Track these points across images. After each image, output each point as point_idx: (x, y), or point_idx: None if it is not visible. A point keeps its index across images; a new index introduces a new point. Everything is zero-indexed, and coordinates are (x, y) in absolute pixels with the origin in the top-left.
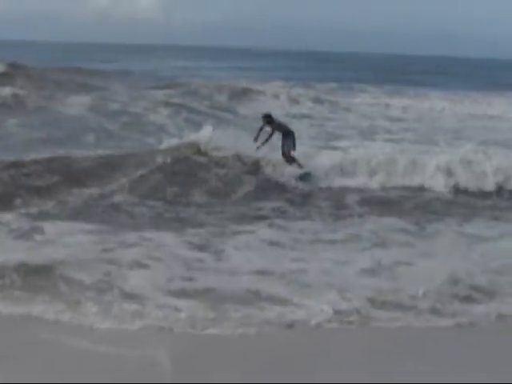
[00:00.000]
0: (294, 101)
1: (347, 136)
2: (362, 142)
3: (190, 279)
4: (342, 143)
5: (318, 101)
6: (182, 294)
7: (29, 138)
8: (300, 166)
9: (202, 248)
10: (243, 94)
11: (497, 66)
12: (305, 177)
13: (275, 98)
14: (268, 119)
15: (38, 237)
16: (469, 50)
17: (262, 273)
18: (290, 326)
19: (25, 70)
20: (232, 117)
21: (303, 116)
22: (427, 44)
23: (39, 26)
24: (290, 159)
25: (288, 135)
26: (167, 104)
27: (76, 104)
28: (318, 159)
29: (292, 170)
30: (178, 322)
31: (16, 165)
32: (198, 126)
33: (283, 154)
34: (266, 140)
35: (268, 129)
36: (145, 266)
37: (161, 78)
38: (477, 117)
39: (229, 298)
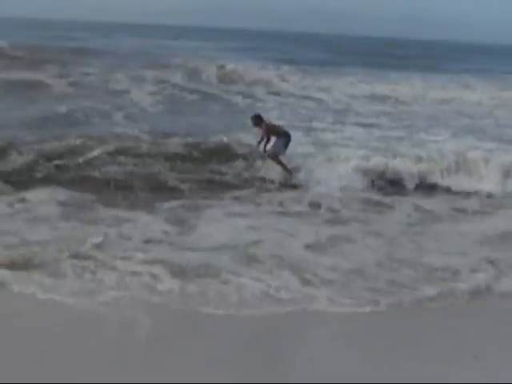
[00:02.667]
0: (274, 80)
1: (320, 117)
2: (334, 125)
3: (156, 251)
4: (315, 124)
5: (298, 81)
6: (149, 265)
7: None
8: (288, 172)
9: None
10: (227, 72)
11: (484, 50)
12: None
13: (258, 77)
14: (257, 120)
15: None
16: (456, 33)
17: (224, 247)
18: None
19: (7, 47)
20: (217, 92)
21: (280, 95)
22: (411, 27)
23: (16, 2)
24: (276, 162)
25: (281, 137)
26: (151, 81)
27: (61, 84)
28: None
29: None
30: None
31: None
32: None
33: (268, 155)
34: (259, 144)
35: (258, 131)
36: (112, 238)
37: (146, 56)
38: (456, 101)
39: (191, 272)
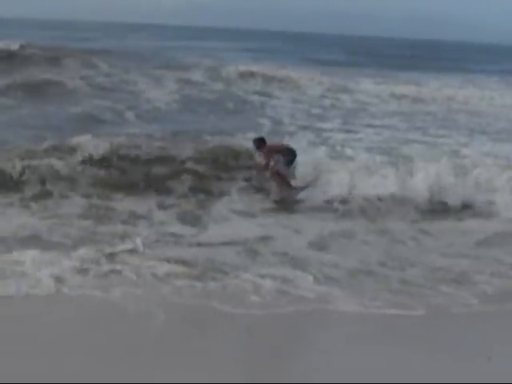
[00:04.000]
0: (291, 79)
1: (335, 117)
2: (343, 125)
3: (168, 248)
4: (328, 124)
5: (315, 80)
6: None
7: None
8: (289, 191)
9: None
10: (245, 71)
11: (499, 51)
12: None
13: (276, 77)
14: (259, 144)
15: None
16: (469, 34)
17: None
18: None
19: (33, 48)
20: (235, 89)
21: (292, 95)
22: (424, 27)
23: (32, 2)
24: (277, 181)
25: (284, 156)
26: (170, 81)
27: (79, 84)
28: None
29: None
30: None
31: None
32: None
33: (271, 172)
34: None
35: (258, 157)
36: (124, 236)
37: (163, 56)
38: (468, 102)
39: (204, 269)
